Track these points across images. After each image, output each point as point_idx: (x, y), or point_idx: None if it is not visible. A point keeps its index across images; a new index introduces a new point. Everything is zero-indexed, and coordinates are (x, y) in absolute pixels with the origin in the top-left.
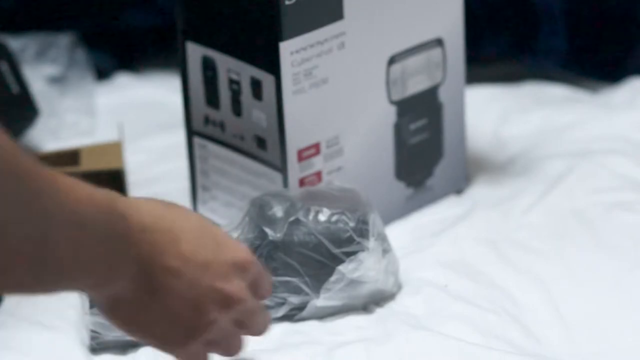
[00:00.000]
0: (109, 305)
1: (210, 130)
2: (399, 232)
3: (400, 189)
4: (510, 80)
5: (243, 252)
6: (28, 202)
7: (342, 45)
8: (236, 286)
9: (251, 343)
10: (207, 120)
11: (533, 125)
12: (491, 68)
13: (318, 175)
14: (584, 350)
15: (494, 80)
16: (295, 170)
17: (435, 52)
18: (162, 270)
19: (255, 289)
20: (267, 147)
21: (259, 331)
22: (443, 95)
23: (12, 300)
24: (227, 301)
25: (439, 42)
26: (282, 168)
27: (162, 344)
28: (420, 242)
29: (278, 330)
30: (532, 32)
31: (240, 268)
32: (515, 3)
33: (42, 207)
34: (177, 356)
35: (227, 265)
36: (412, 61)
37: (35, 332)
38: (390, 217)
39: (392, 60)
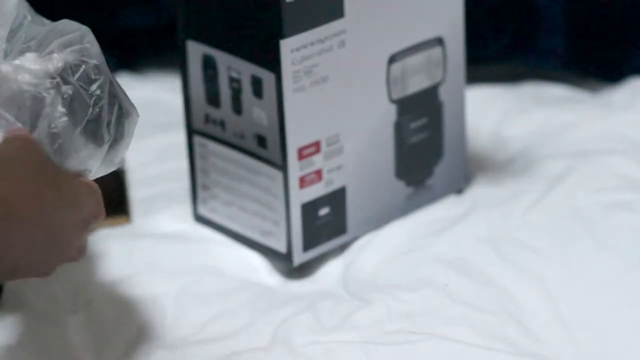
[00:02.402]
0: None
1: (210, 128)
2: (398, 231)
3: (400, 188)
4: (510, 80)
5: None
6: None
7: (342, 44)
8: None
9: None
10: (207, 118)
11: (533, 125)
12: (491, 68)
13: (318, 173)
14: (584, 350)
15: (494, 80)
16: (295, 168)
17: (436, 51)
18: None
19: None
20: (267, 146)
21: None
22: (443, 94)
23: (13, 289)
24: None
25: (439, 41)
26: (282, 166)
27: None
28: (420, 241)
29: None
30: (532, 32)
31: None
32: (515, 3)
33: None
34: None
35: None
36: (413, 60)
37: (43, 326)
38: (390, 216)
39: (392, 59)
